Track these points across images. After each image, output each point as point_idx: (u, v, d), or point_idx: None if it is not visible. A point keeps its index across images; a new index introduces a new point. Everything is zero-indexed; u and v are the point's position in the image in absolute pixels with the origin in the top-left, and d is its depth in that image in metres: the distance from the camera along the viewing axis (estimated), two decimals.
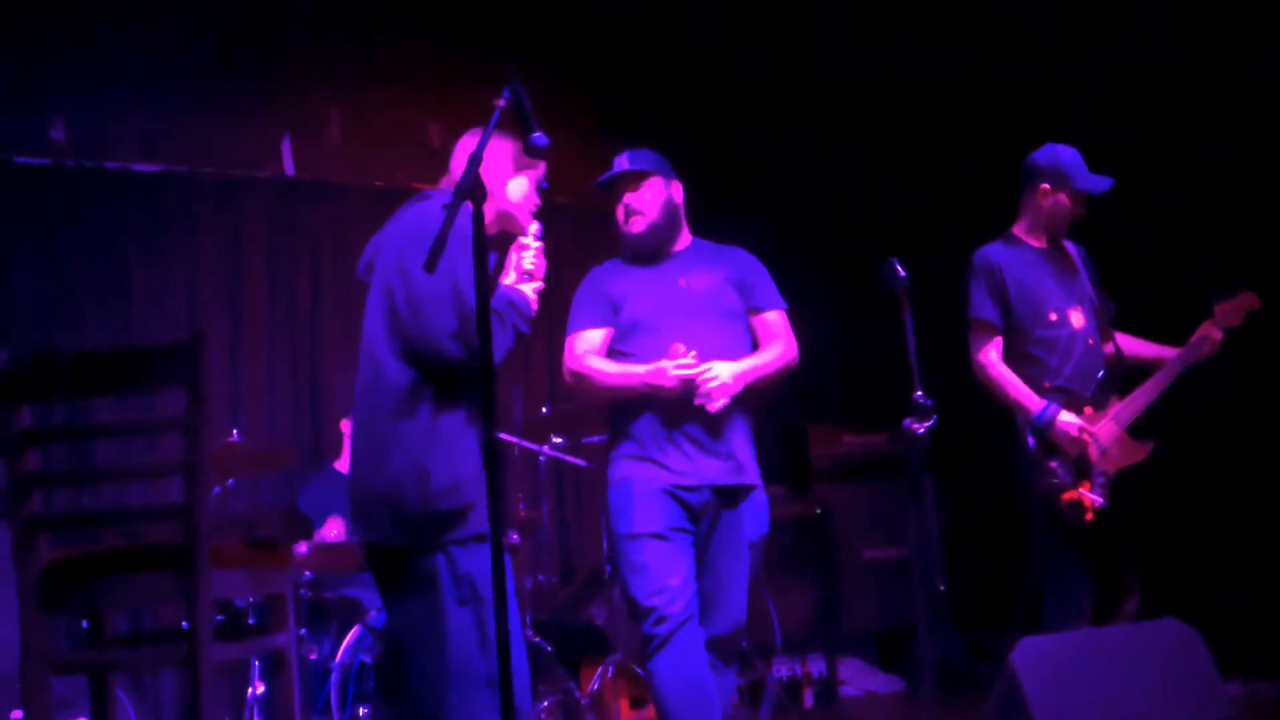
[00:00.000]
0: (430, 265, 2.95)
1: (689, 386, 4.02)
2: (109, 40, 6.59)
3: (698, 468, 4.11)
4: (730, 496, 4.16)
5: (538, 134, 3.20)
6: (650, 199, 4.33)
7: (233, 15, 6.91)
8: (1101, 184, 4.78)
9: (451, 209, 3.01)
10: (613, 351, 4.29)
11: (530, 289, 3.73)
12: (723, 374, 4.05)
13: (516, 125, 3.23)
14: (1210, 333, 4.72)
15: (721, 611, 4.12)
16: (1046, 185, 4.80)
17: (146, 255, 6.76)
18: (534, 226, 3.86)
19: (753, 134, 8.00)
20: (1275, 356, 5.90)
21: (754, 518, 4.20)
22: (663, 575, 4.01)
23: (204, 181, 6.95)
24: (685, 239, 4.43)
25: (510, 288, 3.68)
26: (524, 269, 3.78)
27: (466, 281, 3.47)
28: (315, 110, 7.22)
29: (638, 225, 4.32)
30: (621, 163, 4.36)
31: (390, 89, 7.29)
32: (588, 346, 4.30)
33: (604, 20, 7.09)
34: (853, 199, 7.95)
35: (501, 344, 3.53)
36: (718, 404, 4.04)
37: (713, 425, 4.12)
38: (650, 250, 4.33)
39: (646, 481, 4.11)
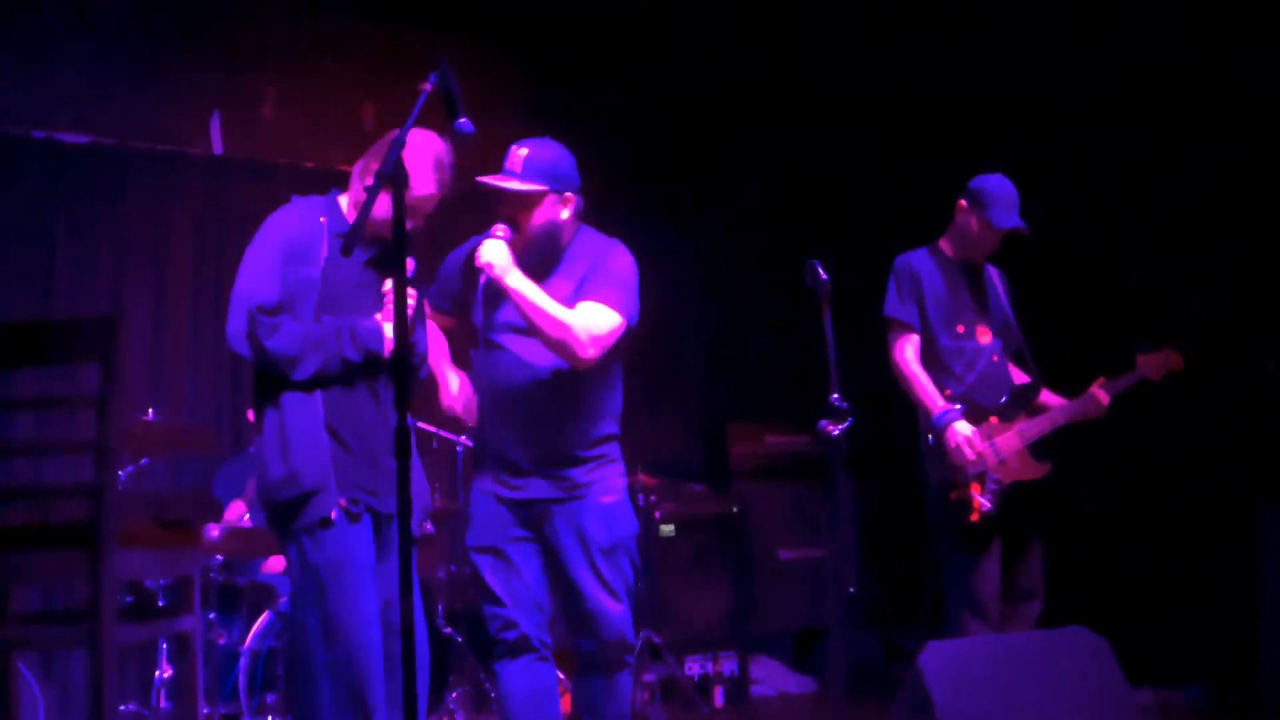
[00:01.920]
0: (346, 250, 2.98)
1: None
2: (40, 6, 6.47)
3: (524, 483, 3.96)
4: (565, 507, 3.97)
5: (463, 120, 3.18)
6: (530, 219, 3.91)
7: None
8: (1007, 221, 4.79)
9: (370, 193, 3.01)
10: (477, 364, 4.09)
11: (389, 329, 3.74)
12: (496, 258, 3.79)
13: (444, 110, 3.19)
14: (1097, 395, 4.81)
15: (589, 624, 3.95)
16: (964, 203, 4.89)
17: (71, 228, 6.66)
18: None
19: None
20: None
21: (601, 523, 3.96)
22: (502, 590, 3.97)
23: (133, 155, 6.84)
24: (572, 241, 4.04)
25: (370, 319, 3.76)
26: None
27: (255, 281, 3.70)
28: (248, 87, 7.13)
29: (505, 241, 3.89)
30: (514, 165, 3.89)
31: (327, 69, 7.19)
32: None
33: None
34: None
35: (313, 362, 3.66)
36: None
37: (536, 441, 3.94)
38: (524, 267, 3.87)
39: (484, 493, 4.03)
